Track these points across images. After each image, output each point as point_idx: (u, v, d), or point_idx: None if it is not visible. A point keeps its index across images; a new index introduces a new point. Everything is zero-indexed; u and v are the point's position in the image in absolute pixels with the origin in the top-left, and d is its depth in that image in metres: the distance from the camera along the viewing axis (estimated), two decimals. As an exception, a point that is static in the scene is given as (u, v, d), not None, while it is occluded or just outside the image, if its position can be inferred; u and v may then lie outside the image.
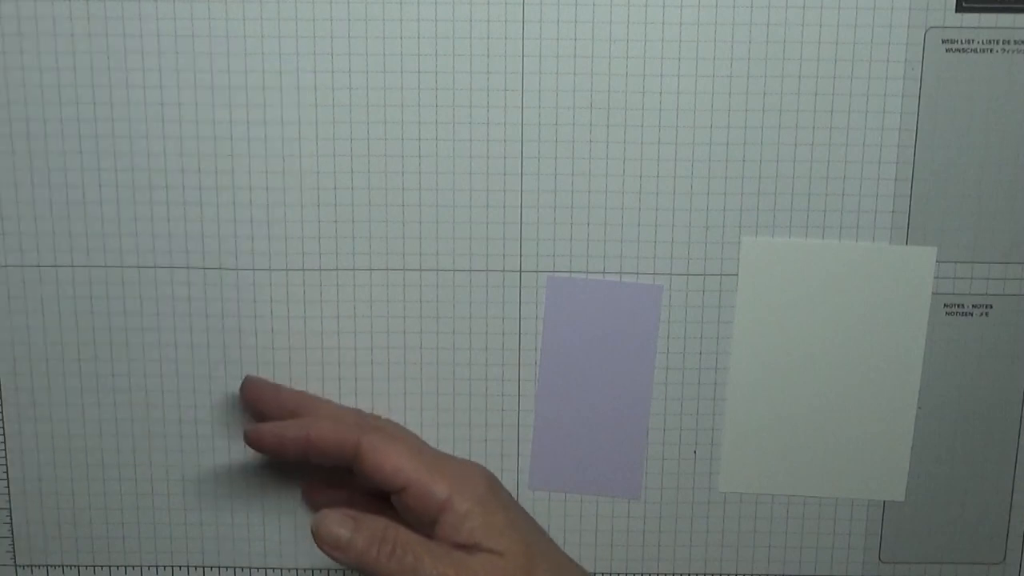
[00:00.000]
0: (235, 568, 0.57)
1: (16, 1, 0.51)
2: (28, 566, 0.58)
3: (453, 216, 0.53)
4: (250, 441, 0.52)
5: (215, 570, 0.57)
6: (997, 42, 0.51)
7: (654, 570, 0.57)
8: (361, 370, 0.55)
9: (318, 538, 0.48)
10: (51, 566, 0.58)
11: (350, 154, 0.53)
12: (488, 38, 0.52)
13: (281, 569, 0.57)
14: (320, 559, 0.57)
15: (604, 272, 0.54)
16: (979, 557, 0.57)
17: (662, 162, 0.53)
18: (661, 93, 0.52)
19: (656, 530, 0.56)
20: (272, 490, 0.57)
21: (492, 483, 0.52)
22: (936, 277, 0.54)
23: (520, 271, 0.54)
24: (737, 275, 0.54)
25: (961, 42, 0.51)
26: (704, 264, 0.54)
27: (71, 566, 0.58)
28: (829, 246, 0.53)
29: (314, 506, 0.55)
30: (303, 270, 0.54)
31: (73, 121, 0.53)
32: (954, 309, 0.54)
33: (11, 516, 0.57)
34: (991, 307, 0.54)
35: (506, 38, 0.52)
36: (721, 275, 0.54)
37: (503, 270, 0.54)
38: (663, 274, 0.54)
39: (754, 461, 0.56)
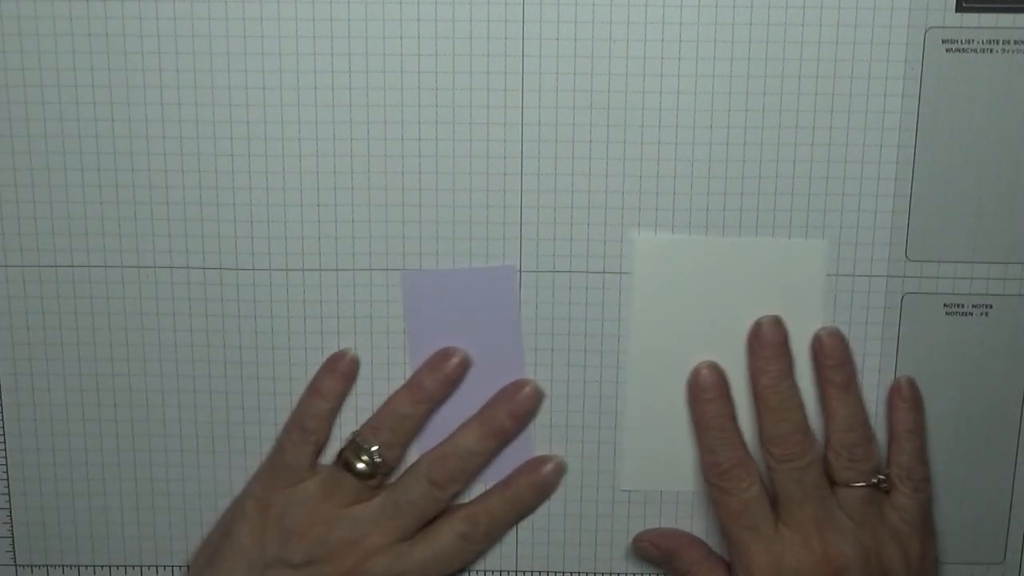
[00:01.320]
0: (235, 568, 0.57)
1: (16, 1, 0.51)
2: (28, 566, 0.58)
3: (453, 216, 0.53)
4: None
5: (215, 570, 0.57)
6: (997, 42, 0.51)
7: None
8: (361, 370, 0.55)
9: None
10: (51, 566, 0.58)
11: (350, 154, 0.53)
12: (488, 38, 0.52)
13: (281, 569, 0.57)
14: (320, 559, 0.57)
15: (604, 272, 0.54)
16: (979, 557, 0.57)
17: (662, 162, 0.53)
18: (661, 93, 0.52)
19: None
20: (272, 490, 0.57)
21: None
22: (936, 277, 0.54)
23: (520, 271, 0.54)
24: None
25: (961, 42, 0.51)
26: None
27: (71, 566, 0.58)
28: (725, 243, 0.53)
29: None
30: (303, 270, 0.54)
31: (73, 121, 0.53)
32: (954, 309, 0.54)
33: (11, 516, 0.57)
34: (991, 307, 0.54)
35: (506, 38, 0.52)
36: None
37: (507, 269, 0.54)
38: (663, 274, 0.54)
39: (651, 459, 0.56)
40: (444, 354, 0.54)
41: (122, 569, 0.58)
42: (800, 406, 0.53)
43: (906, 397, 0.54)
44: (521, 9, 0.51)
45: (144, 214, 0.54)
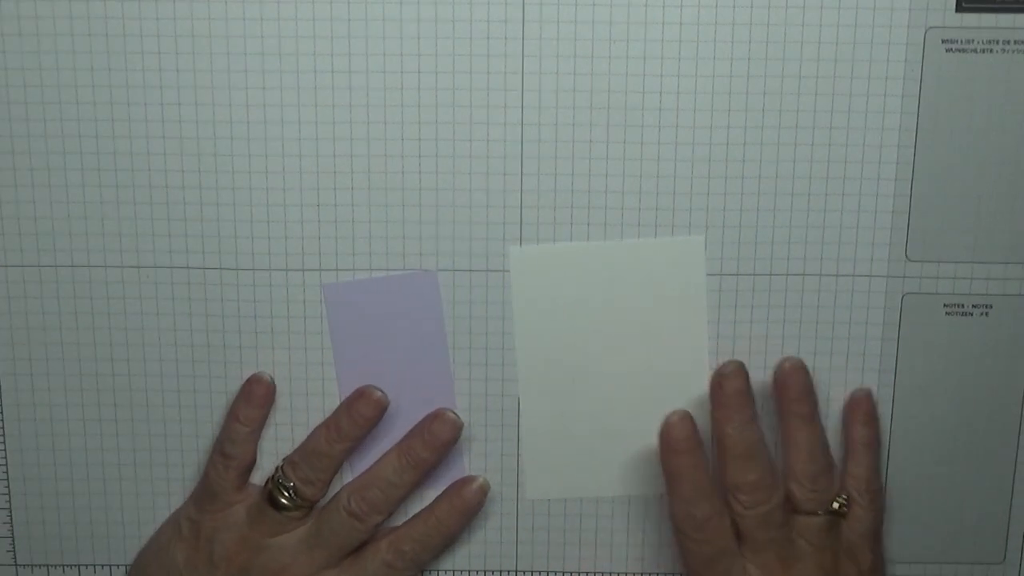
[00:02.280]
0: (235, 568, 0.57)
1: (16, 1, 0.51)
2: (28, 566, 0.58)
3: (453, 216, 0.53)
4: None
5: (215, 570, 0.57)
6: (997, 42, 0.51)
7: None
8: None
9: None
10: (51, 566, 0.58)
11: (350, 154, 0.53)
12: (488, 38, 0.52)
13: (281, 569, 0.57)
14: (320, 559, 0.57)
15: (604, 272, 0.54)
16: (979, 557, 0.57)
17: (662, 162, 0.53)
18: (661, 93, 0.52)
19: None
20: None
21: None
22: (936, 277, 0.54)
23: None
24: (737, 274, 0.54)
25: (961, 42, 0.51)
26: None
27: (71, 566, 0.58)
28: (597, 247, 0.53)
29: None
30: (303, 270, 0.54)
31: (73, 121, 0.53)
32: (954, 309, 0.54)
33: (11, 516, 0.57)
34: (991, 307, 0.54)
35: (506, 38, 0.52)
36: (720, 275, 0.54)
37: (502, 270, 0.54)
38: (663, 274, 0.54)
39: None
40: (360, 395, 0.54)
41: (122, 569, 0.58)
42: (765, 449, 0.53)
43: (864, 411, 0.54)
44: (521, 9, 0.51)
45: (144, 214, 0.54)
